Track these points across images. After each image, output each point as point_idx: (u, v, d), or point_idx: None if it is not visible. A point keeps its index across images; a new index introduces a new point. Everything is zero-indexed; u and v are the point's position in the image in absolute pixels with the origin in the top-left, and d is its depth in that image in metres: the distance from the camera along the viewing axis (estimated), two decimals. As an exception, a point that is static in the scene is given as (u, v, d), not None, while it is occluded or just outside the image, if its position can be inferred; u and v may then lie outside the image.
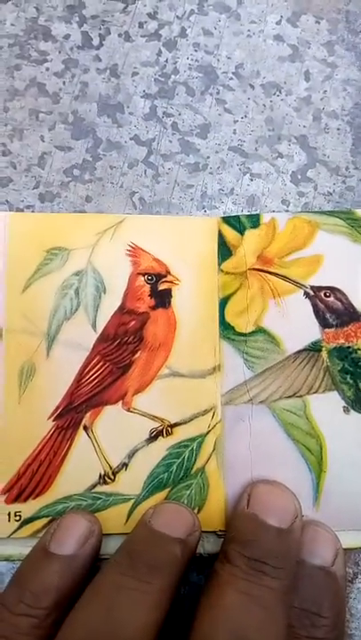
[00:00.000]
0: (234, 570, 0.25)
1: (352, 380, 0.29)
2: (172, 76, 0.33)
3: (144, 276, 0.30)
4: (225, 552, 0.26)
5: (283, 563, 0.25)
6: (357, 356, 0.29)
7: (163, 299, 0.30)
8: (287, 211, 0.32)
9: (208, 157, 0.32)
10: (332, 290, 0.30)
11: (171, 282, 0.30)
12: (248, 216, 0.31)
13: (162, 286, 0.30)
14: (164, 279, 0.30)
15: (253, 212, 0.32)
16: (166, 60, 0.33)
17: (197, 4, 0.34)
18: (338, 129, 0.33)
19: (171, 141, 0.32)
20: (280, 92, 0.33)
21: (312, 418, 0.29)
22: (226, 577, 0.25)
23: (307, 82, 0.33)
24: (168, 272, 0.30)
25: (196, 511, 0.28)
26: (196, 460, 0.29)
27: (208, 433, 0.29)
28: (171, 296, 0.30)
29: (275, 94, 0.33)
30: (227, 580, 0.25)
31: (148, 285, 0.30)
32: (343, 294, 0.30)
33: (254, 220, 0.31)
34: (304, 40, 0.34)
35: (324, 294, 0.30)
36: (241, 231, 0.31)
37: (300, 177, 0.32)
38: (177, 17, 0.34)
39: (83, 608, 0.24)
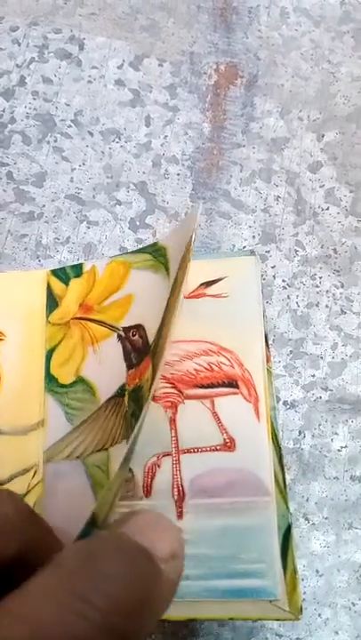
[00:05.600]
0: None
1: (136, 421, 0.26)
2: (9, 126, 0.32)
3: None
4: None
5: None
6: (141, 394, 0.26)
7: (-16, 354, 0.29)
8: (123, 259, 0.31)
9: (44, 206, 0.32)
10: (138, 327, 0.28)
11: (-7, 337, 0.29)
12: (72, 266, 0.30)
13: (-18, 342, 0.29)
14: (-15, 334, 0.29)
15: (82, 261, 0.31)
16: (3, 110, 0.33)
17: (38, 52, 0.33)
18: (178, 174, 0.32)
19: (5, 190, 0.32)
20: (119, 139, 0.32)
21: (112, 473, 0.27)
22: None
23: (147, 127, 0.33)
24: (-9, 327, 0.29)
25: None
26: None
27: (28, 493, 0.28)
28: (-6, 351, 0.29)
29: (114, 141, 0.32)
30: None
31: (-33, 341, 0.29)
32: (144, 330, 0.28)
33: (77, 269, 0.30)
34: (146, 84, 0.33)
35: (132, 334, 0.28)
36: (66, 282, 0.30)
37: (138, 223, 0.31)
38: (16, 65, 0.33)
39: None
